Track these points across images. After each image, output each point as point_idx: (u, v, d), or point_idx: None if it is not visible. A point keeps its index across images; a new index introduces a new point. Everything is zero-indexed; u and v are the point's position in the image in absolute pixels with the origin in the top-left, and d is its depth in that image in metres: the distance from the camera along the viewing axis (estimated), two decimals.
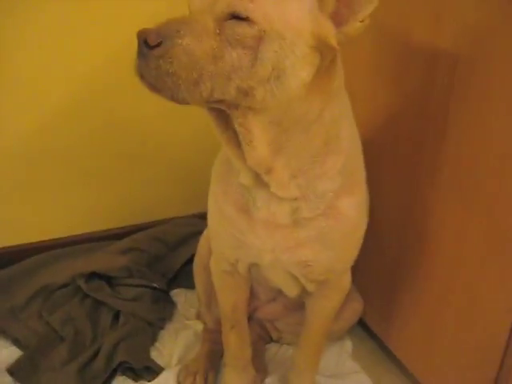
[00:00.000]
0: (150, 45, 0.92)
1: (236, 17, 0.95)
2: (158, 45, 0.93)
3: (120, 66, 1.93)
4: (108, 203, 2.17)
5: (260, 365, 1.72)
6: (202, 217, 1.41)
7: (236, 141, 1.09)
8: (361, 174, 1.27)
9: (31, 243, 2.08)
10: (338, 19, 1.01)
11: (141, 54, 0.94)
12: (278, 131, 1.07)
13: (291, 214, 1.19)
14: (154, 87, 0.96)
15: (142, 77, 0.97)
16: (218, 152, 1.32)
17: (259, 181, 1.15)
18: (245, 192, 1.22)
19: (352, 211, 1.23)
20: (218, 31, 0.96)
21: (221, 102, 1.01)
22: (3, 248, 2.04)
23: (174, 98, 0.97)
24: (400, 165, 1.56)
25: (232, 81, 0.97)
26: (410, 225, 1.56)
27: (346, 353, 1.80)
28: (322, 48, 1.02)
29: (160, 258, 2.08)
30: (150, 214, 2.22)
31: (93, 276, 1.92)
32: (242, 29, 0.95)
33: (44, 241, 2.10)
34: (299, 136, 1.09)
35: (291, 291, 1.44)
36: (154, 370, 1.68)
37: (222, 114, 1.07)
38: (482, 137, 1.28)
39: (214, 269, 1.49)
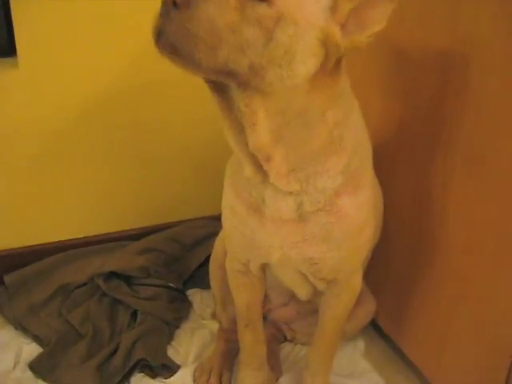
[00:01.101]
0: (178, 4, 0.96)
1: None
2: (185, 6, 0.96)
3: (143, 67, 1.97)
4: (125, 204, 2.19)
5: (275, 364, 1.74)
6: (218, 218, 1.43)
7: (238, 127, 1.13)
8: (366, 176, 1.30)
9: (49, 243, 2.10)
10: (345, 30, 1.07)
11: (165, 14, 0.98)
12: (280, 121, 1.10)
13: (296, 209, 1.23)
14: (173, 47, 0.99)
15: (160, 35, 0.99)
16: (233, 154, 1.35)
17: (261, 173, 1.18)
18: (252, 190, 1.26)
19: (353, 211, 1.25)
20: (238, 6, 1.00)
21: (233, 76, 1.04)
22: (22, 248, 2.07)
23: (191, 59, 0.99)
24: (412, 170, 1.58)
25: (246, 55, 1.00)
26: (422, 228, 1.58)
27: (359, 353, 1.82)
28: (328, 45, 1.06)
29: (176, 258, 2.10)
30: (167, 215, 2.24)
31: (111, 275, 1.95)
32: (261, 9, 0.99)
33: (62, 241, 2.12)
34: (300, 130, 1.13)
35: (302, 292, 1.47)
36: (171, 368, 1.71)
37: (228, 97, 1.10)
38: (494, 143, 1.29)
39: (228, 268, 1.52)
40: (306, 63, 1.05)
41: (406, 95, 1.56)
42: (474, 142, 1.35)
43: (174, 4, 0.96)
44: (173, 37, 0.98)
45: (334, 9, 1.06)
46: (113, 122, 2.04)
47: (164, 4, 0.98)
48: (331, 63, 1.09)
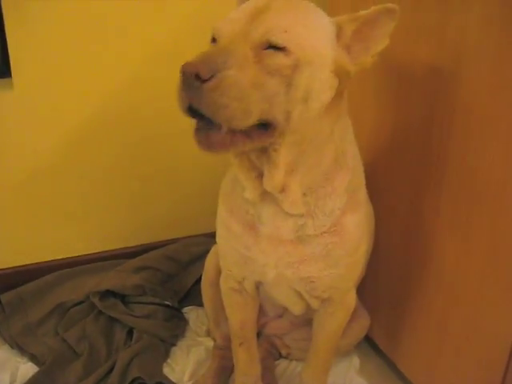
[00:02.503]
0: (202, 78, 0.94)
1: (272, 46, 1.01)
2: (210, 78, 0.95)
3: (140, 86, 1.99)
4: (121, 222, 2.19)
5: (270, 381, 1.74)
6: (214, 236, 1.43)
7: (251, 167, 1.16)
8: (362, 193, 1.32)
9: (45, 262, 2.11)
10: (350, 52, 1.10)
11: (190, 88, 0.96)
12: (296, 152, 1.12)
13: (295, 231, 1.23)
14: (206, 122, 0.99)
15: (189, 110, 0.99)
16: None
17: (265, 197, 1.20)
18: (249, 208, 1.26)
19: (354, 228, 1.27)
20: (256, 59, 1.01)
21: (273, 132, 1.06)
22: (18, 267, 2.07)
23: (230, 128, 0.99)
24: (404, 189, 1.59)
25: (273, 106, 1.02)
26: (414, 245, 1.59)
27: (354, 369, 1.81)
28: (340, 74, 1.09)
29: (172, 276, 2.10)
30: (163, 233, 2.24)
31: (107, 294, 1.95)
32: (279, 59, 1.01)
33: (57, 259, 2.13)
34: (313, 155, 1.15)
35: (295, 309, 1.47)
36: None
37: None
38: (483, 163, 1.30)
39: (222, 286, 1.52)
40: (322, 97, 1.07)
41: (398, 110, 1.58)
42: (464, 155, 1.36)
43: (197, 77, 0.94)
44: (208, 112, 0.97)
45: (339, 34, 1.09)
46: (108, 141, 2.05)
47: (186, 77, 0.96)
48: (344, 88, 1.13)
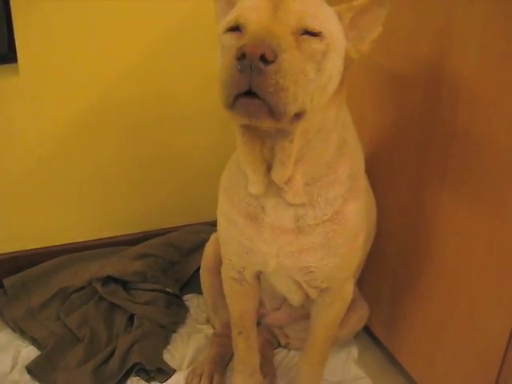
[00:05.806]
0: (268, 60, 0.93)
1: (308, 32, 1.02)
2: (274, 60, 0.94)
3: (142, 74, 1.99)
4: (123, 210, 2.20)
5: (269, 370, 1.75)
6: (215, 224, 1.44)
7: (260, 160, 1.16)
8: (362, 180, 1.33)
9: (48, 247, 2.12)
10: (348, 40, 1.12)
11: (253, 70, 0.94)
12: (303, 141, 1.13)
13: (296, 221, 1.24)
14: (265, 105, 0.96)
15: (248, 93, 0.96)
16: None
17: (269, 189, 1.21)
18: (252, 201, 1.27)
19: (353, 215, 1.28)
20: (295, 44, 1.01)
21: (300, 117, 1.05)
22: (21, 251, 2.09)
23: (281, 113, 0.97)
24: (406, 182, 1.59)
25: (308, 91, 1.02)
26: (414, 237, 1.59)
27: (352, 359, 1.82)
28: (347, 60, 1.11)
29: (174, 263, 2.12)
30: (165, 220, 2.25)
31: (109, 280, 1.96)
32: (315, 43, 1.02)
33: (60, 245, 2.14)
34: (318, 145, 1.16)
35: (294, 298, 1.48)
36: (167, 372, 1.72)
37: (257, 136, 1.12)
38: (487, 151, 1.30)
39: (223, 275, 1.52)
40: (334, 82, 1.09)
41: (399, 108, 1.58)
42: (465, 152, 1.37)
43: (262, 59, 0.93)
44: (267, 94, 0.95)
45: (340, 23, 1.11)
46: (110, 128, 2.05)
47: (248, 59, 0.93)
48: (348, 75, 1.14)
